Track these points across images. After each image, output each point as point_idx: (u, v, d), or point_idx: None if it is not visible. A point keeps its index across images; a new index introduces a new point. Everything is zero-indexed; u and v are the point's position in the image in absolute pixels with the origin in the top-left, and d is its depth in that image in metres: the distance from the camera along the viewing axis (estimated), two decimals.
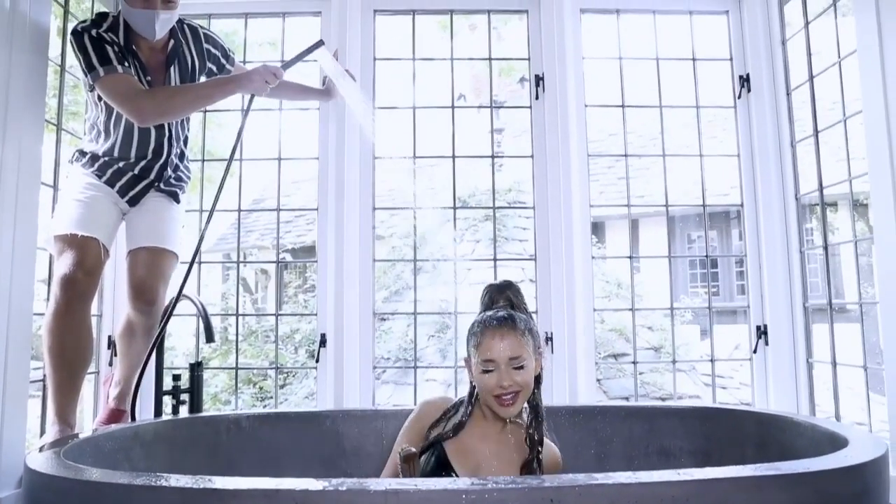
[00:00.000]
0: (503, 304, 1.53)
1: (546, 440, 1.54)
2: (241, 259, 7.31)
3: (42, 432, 1.96)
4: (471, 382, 1.53)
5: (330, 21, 2.54)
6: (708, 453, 1.87)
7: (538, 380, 1.50)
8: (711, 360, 2.66)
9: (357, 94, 2.13)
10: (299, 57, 2.07)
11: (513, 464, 1.48)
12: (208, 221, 2.02)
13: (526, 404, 1.50)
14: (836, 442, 1.40)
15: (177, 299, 1.92)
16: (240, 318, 3.34)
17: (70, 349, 1.85)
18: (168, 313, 1.93)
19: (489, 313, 1.49)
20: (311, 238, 8.14)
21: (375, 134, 2.30)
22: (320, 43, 2.04)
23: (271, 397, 5.31)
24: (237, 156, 2.57)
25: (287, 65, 2.04)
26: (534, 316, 1.57)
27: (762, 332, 2.48)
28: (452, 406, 1.55)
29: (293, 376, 5.65)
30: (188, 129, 2.22)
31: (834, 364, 2.23)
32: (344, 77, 2.10)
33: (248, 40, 2.69)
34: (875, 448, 1.27)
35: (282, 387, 3.24)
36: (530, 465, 1.47)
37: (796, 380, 2.41)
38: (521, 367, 1.42)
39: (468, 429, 1.50)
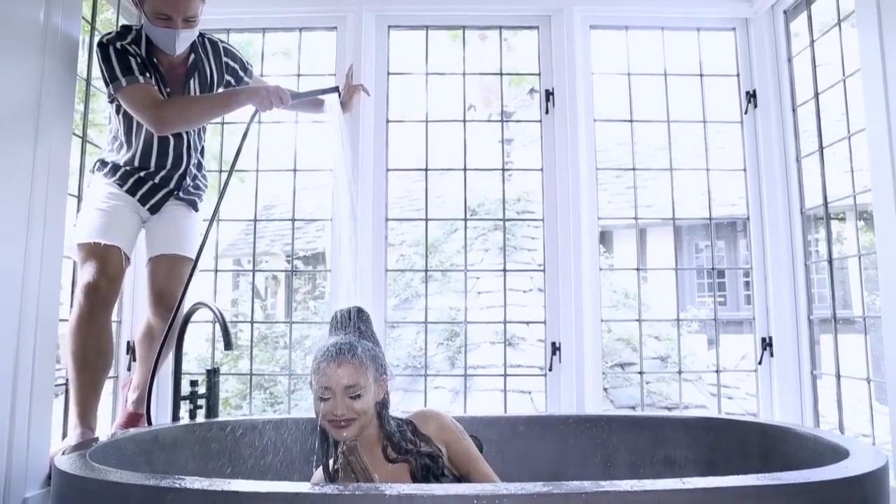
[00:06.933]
0: (350, 331, 1.52)
1: (413, 414, 1.54)
2: (253, 266, 7.38)
3: (64, 434, 2.01)
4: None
5: (345, 36, 2.59)
6: (712, 463, 1.90)
7: (385, 404, 1.49)
8: (717, 371, 2.69)
9: (345, 158, 2.14)
10: (311, 94, 2.14)
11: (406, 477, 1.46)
12: (208, 230, 2.04)
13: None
14: (837, 453, 1.43)
15: (180, 302, 1.97)
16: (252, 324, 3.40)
17: (93, 354, 1.90)
18: (172, 317, 1.98)
19: (331, 341, 1.47)
20: (320, 244, 8.19)
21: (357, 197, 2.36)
22: (335, 89, 2.10)
23: (282, 402, 5.36)
24: (254, 166, 2.65)
25: (297, 96, 2.08)
26: (381, 344, 1.56)
27: (767, 343, 2.52)
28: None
29: (303, 381, 5.68)
30: (204, 140, 2.28)
31: (838, 376, 2.25)
32: (342, 132, 2.12)
33: (264, 50, 2.75)
34: (875, 459, 1.30)
35: (292, 392, 3.29)
36: (422, 468, 1.46)
37: (801, 391, 2.44)
38: (358, 396, 1.41)
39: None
